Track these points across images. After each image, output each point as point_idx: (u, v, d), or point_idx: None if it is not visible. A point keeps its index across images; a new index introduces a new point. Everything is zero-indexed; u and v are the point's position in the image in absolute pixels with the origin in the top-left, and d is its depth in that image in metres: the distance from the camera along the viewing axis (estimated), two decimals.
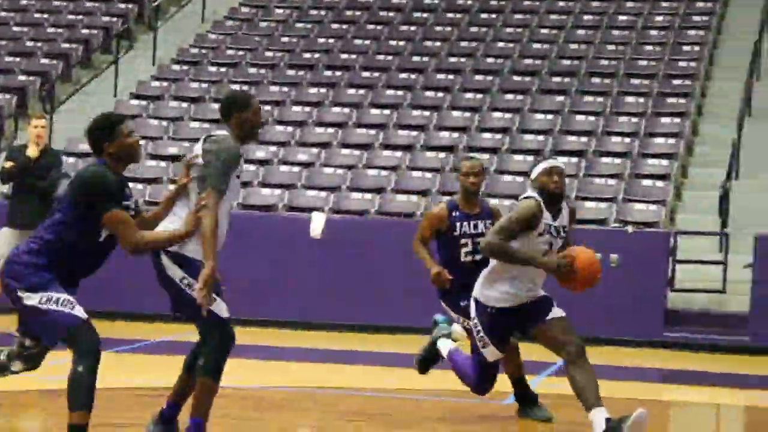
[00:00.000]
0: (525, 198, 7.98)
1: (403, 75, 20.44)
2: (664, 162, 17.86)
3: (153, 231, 6.74)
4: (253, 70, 20.87)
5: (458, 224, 9.05)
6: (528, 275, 7.97)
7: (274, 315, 15.58)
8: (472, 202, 9.13)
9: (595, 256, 7.84)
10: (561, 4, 22.37)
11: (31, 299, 6.40)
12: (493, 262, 8.06)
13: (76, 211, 6.45)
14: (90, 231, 6.49)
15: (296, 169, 17.99)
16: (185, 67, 21.19)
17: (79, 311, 6.40)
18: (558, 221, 8.00)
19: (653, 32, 21.35)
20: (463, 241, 9.00)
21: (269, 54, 21.35)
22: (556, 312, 8.13)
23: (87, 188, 6.46)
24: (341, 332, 15.47)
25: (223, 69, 20.95)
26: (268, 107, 19.21)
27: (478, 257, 8.76)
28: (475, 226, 9.06)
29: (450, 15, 22.30)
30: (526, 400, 9.03)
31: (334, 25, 22.17)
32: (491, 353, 8.14)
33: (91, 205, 6.42)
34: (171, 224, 6.82)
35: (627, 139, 18.38)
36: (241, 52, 21.41)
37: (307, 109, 19.44)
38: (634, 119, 18.82)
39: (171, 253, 6.74)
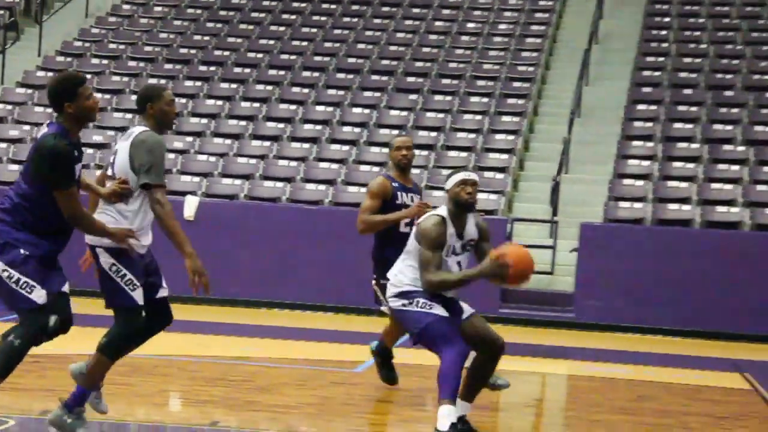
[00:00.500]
0: (427, 217, 7.73)
1: (272, 71, 20.60)
2: (504, 156, 18.30)
3: (92, 216, 6.60)
4: (132, 63, 20.92)
5: (399, 194, 8.97)
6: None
7: None
8: (405, 176, 9.08)
9: (526, 249, 7.58)
10: (415, 11, 22.68)
11: None
12: (407, 248, 7.72)
13: (37, 180, 6.37)
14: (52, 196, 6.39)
15: (172, 156, 18.09)
16: (69, 59, 21.08)
17: (37, 295, 6.32)
18: (465, 237, 7.73)
19: (497, 39, 21.73)
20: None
21: (148, 48, 21.40)
22: (468, 308, 7.89)
23: (43, 163, 6.31)
24: (211, 306, 15.64)
25: (105, 61, 20.93)
26: None
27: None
28: (412, 199, 9.01)
29: (315, 18, 22.47)
30: (387, 365, 9.31)
31: (209, 24, 22.28)
32: (440, 309, 7.48)
33: (46, 178, 6.32)
34: (100, 215, 6.73)
35: (472, 135, 18.80)
36: (122, 46, 21.41)
37: (183, 100, 19.58)
38: (478, 117, 19.26)
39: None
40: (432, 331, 7.40)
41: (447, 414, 7.26)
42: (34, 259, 6.37)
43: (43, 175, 6.32)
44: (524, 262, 7.37)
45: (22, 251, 6.36)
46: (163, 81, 20.23)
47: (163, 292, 6.98)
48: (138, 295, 6.71)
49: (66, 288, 6.44)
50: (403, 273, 7.63)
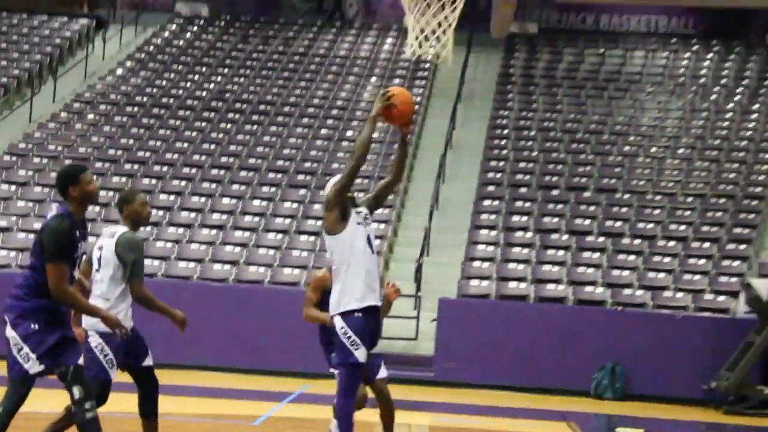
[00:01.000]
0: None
1: (186, 169, 20.72)
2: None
3: (78, 294, 6.41)
4: (68, 161, 20.84)
5: None
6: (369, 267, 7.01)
7: None
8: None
9: (409, 93, 7.09)
10: (304, 120, 22.94)
11: (10, 333, 6.18)
12: (337, 277, 6.99)
13: (41, 254, 6.19)
14: None
15: None
16: (14, 158, 20.97)
17: (32, 366, 6.13)
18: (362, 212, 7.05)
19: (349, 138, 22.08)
20: None
21: (82, 149, 21.35)
22: (383, 371, 7.97)
23: (46, 238, 6.15)
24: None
25: (44, 160, 20.83)
26: None
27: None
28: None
29: (223, 125, 22.65)
30: None
31: (133, 129, 22.29)
32: (362, 354, 6.88)
33: (45, 252, 6.15)
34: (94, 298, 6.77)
35: None
36: (59, 148, 21.34)
37: (111, 193, 19.57)
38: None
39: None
40: (345, 375, 6.93)
41: None
42: (37, 335, 6.17)
43: (44, 249, 6.16)
44: (407, 103, 6.93)
45: (32, 324, 6.17)
46: (94, 177, 20.12)
47: (148, 361, 7.07)
48: (113, 373, 6.82)
49: (81, 361, 6.24)
50: (342, 291, 6.97)
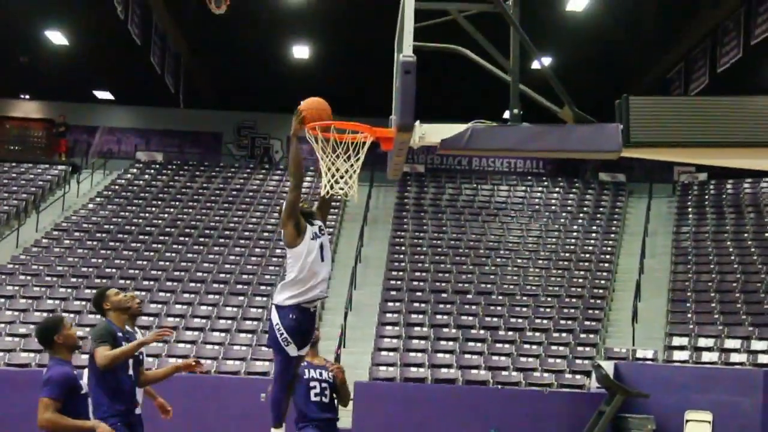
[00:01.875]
0: None
1: (145, 282, 20.11)
2: None
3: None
4: (48, 278, 20.11)
5: (306, 371, 7.09)
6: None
7: None
8: (315, 353, 7.22)
9: (314, 98, 6.36)
10: (241, 242, 22.59)
11: None
12: (286, 275, 6.41)
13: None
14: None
15: None
16: (4, 276, 20.16)
17: None
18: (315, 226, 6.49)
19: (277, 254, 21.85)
20: (312, 383, 7.13)
21: (60, 268, 20.63)
22: None
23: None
24: None
25: (29, 278, 20.09)
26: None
27: (325, 399, 7.12)
28: (320, 374, 7.20)
29: (175, 247, 22.21)
30: None
31: (102, 251, 21.64)
32: (293, 350, 6.30)
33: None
34: None
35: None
36: (41, 267, 20.60)
37: (83, 303, 18.89)
38: None
39: None
40: (278, 362, 6.28)
41: None
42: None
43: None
44: (315, 107, 6.31)
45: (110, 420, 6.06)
46: (69, 290, 19.48)
47: None
48: None
49: None
50: (286, 288, 6.32)
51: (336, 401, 7.20)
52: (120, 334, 6.38)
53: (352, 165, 6.48)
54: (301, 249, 6.31)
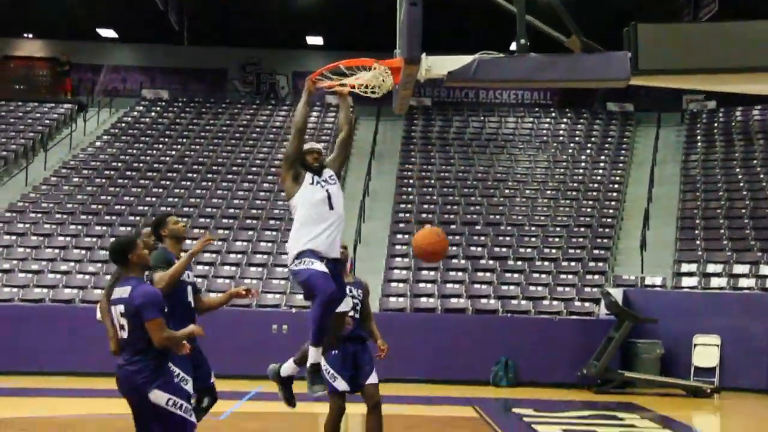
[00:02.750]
0: None
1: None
2: None
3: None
4: (58, 216, 20.22)
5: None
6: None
7: None
8: (345, 271, 7.13)
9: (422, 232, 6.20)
10: (248, 178, 22.59)
11: None
12: (293, 229, 6.34)
13: None
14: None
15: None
16: (14, 214, 20.15)
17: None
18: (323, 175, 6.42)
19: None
20: None
21: (69, 206, 20.68)
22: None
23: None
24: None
25: (39, 215, 20.16)
26: None
27: (355, 315, 7.14)
28: (350, 290, 7.11)
29: (183, 183, 22.18)
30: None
31: (110, 189, 21.68)
32: (320, 265, 6.17)
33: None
34: None
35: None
36: (50, 205, 20.65)
37: (94, 239, 18.98)
38: None
39: None
40: (310, 282, 6.13)
41: (312, 354, 6.26)
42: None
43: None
44: (420, 246, 6.15)
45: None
46: (80, 227, 19.60)
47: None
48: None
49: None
50: (295, 239, 6.30)
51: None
52: (175, 261, 6.45)
53: (379, 73, 6.45)
54: (299, 197, 6.27)
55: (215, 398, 6.67)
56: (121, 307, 5.56)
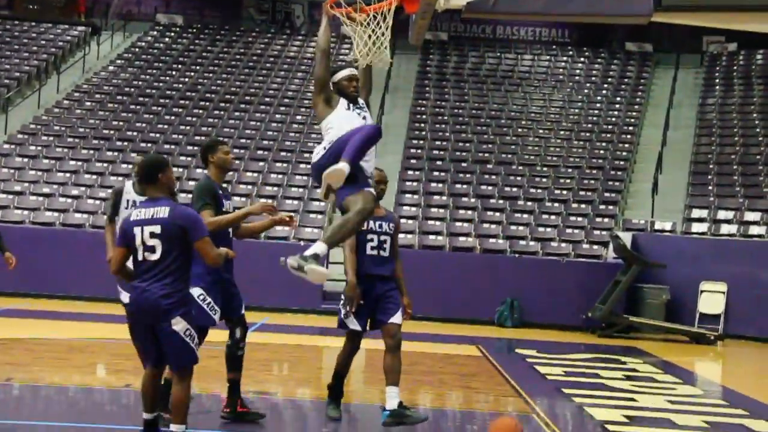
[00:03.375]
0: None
1: (165, 146, 20.04)
2: (328, 206, 18.22)
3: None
4: (70, 139, 20.15)
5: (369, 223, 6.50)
6: None
7: None
8: (378, 206, 6.54)
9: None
10: (261, 108, 22.43)
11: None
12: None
13: None
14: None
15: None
16: (26, 137, 20.12)
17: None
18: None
19: (317, 127, 21.72)
20: (369, 236, 6.65)
21: (81, 130, 20.59)
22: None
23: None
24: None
25: (51, 138, 20.11)
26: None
27: (383, 253, 6.63)
28: (380, 226, 6.75)
29: (196, 111, 22.05)
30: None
31: (122, 114, 21.55)
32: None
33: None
34: None
35: (300, 190, 18.62)
36: (63, 128, 20.58)
37: (105, 164, 18.97)
38: (305, 178, 19.14)
39: None
40: (343, 138, 5.81)
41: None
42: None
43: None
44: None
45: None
46: (91, 151, 19.53)
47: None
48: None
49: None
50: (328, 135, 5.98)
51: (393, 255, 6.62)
52: (219, 192, 6.27)
53: (382, 32, 6.23)
54: (334, 119, 5.96)
55: (246, 329, 6.61)
56: (155, 228, 5.30)
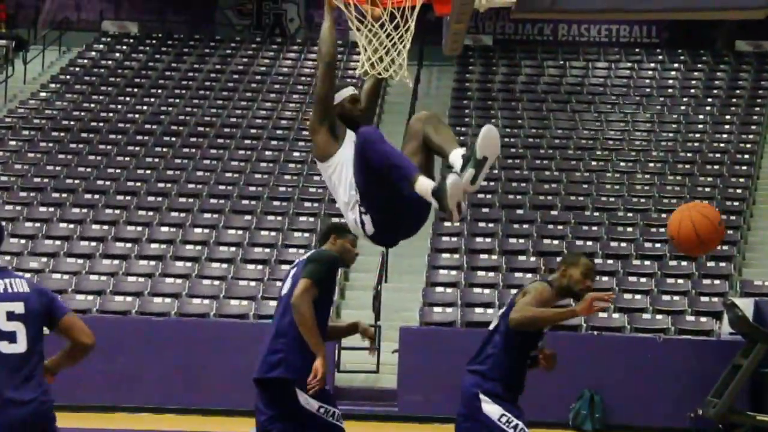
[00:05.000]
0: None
1: (119, 197, 20.32)
2: None
3: None
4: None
5: None
6: None
7: None
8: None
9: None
10: (246, 142, 22.65)
11: None
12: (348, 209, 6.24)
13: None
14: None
15: (66, 276, 17.76)
16: None
17: None
18: None
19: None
20: None
21: (4, 178, 20.86)
22: None
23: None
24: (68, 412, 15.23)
25: None
26: (3, 222, 18.96)
27: None
28: None
29: (157, 149, 22.29)
30: None
31: (60, 156, 21.85)
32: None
33: None
34: None
35: (300, 250, 18.68)
36: None
37: (38, 224, 19.24)
38: (306, 234, 19.23)
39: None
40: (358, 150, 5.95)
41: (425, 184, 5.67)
42: None
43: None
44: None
45: None
46: (18, 207, 19.73)
47: None
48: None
49: None
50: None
51: None
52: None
53: (400, 37, 6.34)
54: (339, 158, 6.05)
55: None
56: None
